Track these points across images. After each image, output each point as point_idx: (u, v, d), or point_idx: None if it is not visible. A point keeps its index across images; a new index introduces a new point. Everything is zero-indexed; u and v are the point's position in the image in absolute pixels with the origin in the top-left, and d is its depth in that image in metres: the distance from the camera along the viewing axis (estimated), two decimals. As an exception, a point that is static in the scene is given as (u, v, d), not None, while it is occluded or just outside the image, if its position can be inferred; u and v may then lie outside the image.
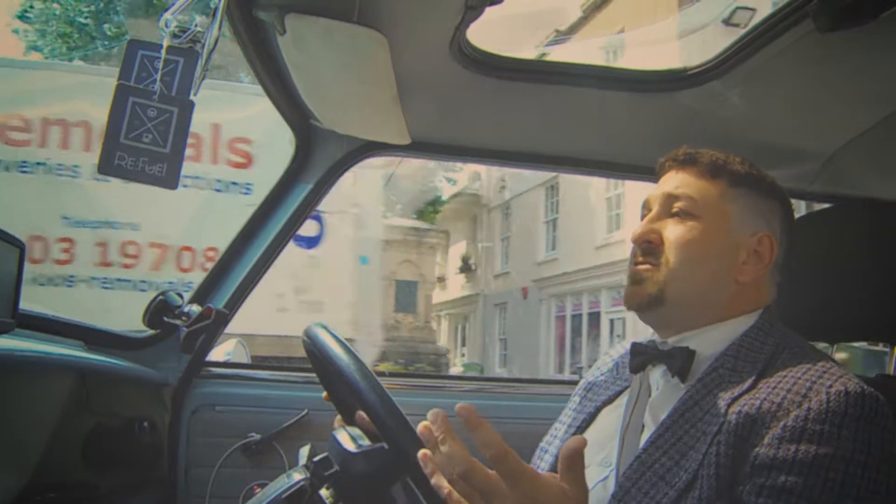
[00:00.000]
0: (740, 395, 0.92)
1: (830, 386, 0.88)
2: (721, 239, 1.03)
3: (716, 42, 1.39)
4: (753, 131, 1.54)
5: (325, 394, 1.15)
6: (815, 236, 1.27)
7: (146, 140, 0.98)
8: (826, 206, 1.62)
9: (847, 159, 1.58)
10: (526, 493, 0.74)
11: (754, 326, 1.02)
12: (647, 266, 1.05)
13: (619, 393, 1.12)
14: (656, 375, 1.05)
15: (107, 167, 0.97)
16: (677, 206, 1.05)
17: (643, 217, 1.11)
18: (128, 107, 0.97)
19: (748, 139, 1.57)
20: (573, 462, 0.77)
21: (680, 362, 1.00)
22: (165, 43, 0.97)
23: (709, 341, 1.01)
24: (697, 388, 0.97)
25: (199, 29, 0.98)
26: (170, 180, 0.99)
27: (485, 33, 1.28)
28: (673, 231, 1.04)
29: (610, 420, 1.09)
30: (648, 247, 1.05)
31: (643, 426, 1.02)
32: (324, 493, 0.93)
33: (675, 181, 1.07)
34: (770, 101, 1.42)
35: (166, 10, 0.98)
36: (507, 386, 1.98)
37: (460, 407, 0.76)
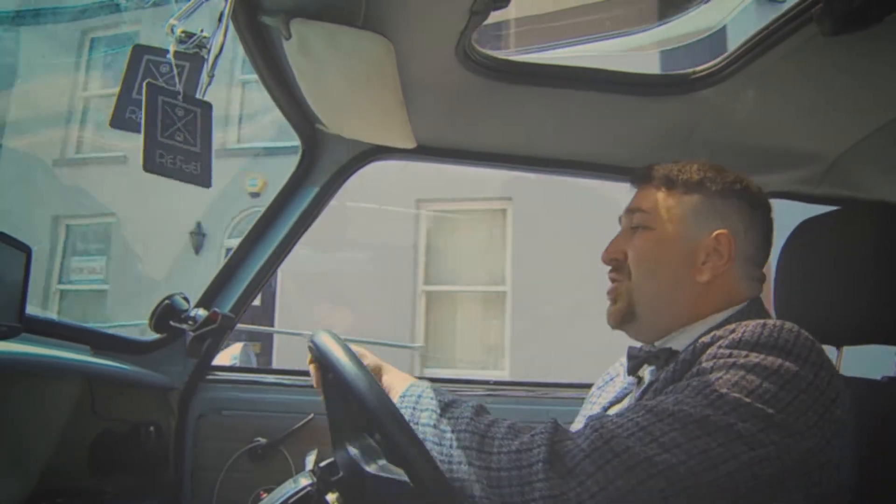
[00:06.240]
0: None
1: (754, 325, 0.91)
2: (676, 244, 1.08)
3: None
4: (758, 135, 1.54)
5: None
6: (821, 239, 1.27)
7: (179, 139, 0.99)
8: (832, 208, 1.61)
9: (852, 162, 1.58)
10: None
11: (736, 316, 1.04)
12: (616, 283, 1.12)
13: (626, 394, 1.17)
14: (647, 372, 1.11)
15: (150, 165, 0.98)
16: (635, 220, 1.12)
17: None
18: (159, 105, 0.98)
19: (753, 142, 1.57)
20: None
21: (664, 361, 1.05)
22: (172, 48, 0.98)
23: (688, 340, 1.04)
24: (671, 368, 1.01)
25: (204, 34, 0.99)
26: (204, 178, 1.01)
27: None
28: (632, 245, 1.10)
29: None
30: (615, 264, 1.12)
31: None
32: (330, 498, 0.93)
33: (636, 199, 1.14)
34: (775, 104, 1.42)
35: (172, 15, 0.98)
36: (521, 389, 1.97)
37: None
